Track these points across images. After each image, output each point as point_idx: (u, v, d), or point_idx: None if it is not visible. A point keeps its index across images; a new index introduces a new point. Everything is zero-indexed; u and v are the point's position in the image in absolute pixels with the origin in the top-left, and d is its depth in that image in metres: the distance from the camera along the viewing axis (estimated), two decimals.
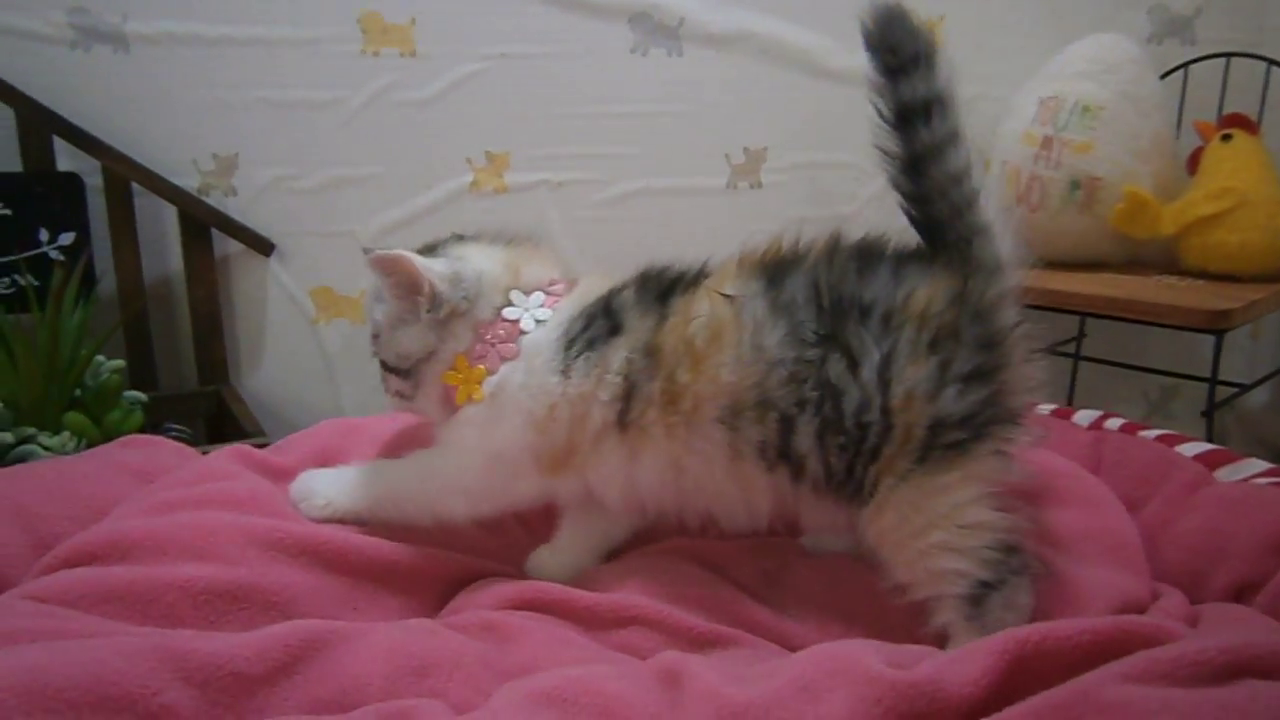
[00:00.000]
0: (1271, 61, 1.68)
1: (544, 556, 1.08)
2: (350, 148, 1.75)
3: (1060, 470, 1.14)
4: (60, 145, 1.57)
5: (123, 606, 0.91)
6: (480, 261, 1.00)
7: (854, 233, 0.92)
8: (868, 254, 0.91)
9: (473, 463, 0.96)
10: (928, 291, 0.86)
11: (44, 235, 1.55)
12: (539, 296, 0.99)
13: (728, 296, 0.90)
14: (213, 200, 1.70)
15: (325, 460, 1.14)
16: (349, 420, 1.28)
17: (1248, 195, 1.53)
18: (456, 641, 0.90)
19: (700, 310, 0.91)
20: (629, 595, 1.00)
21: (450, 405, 0.97)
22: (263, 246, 1.73)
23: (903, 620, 0.91)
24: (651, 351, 0.91)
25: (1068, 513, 1.06)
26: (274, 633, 0.82)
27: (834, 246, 0.92)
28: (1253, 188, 1.54)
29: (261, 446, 1.45)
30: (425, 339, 0.97)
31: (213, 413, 1.72)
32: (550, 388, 0.92)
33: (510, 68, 1.77)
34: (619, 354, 0.92)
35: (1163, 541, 1.06)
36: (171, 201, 1.65)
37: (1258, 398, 1.96)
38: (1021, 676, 0.72)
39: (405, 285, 0.95)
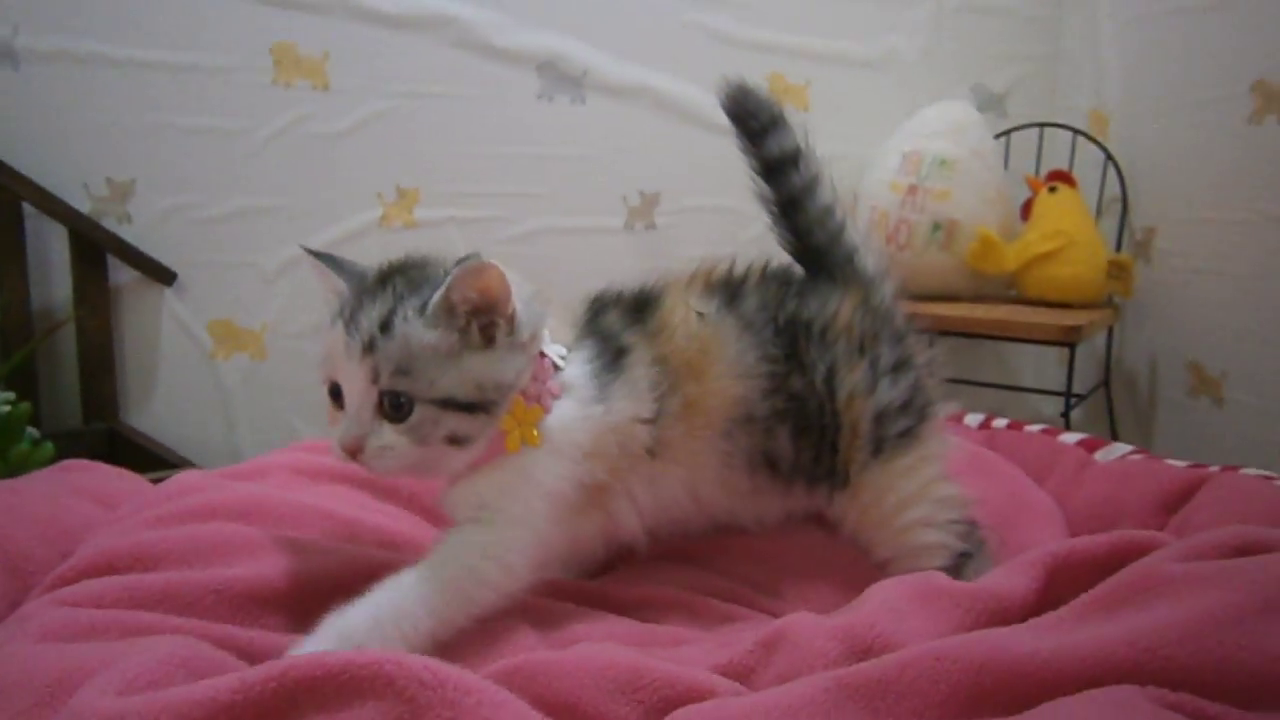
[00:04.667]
0: (1076, 131, 2.02)
1: None
2: (257, 178, 1.72)
3: (972, 453, 1.30)
4: None
5: (167, 608, 0.87)
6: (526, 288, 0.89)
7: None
8: (790, 277, 1.03)
9: (538, 517, 0.87)
10: (848, 305, 0.99)
11: None
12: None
13: (700, 314, 0.95)
14: (105, 226, 1.61)
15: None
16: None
17: (1075, 236, 1.83)
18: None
19: (678, 320, 0.94)
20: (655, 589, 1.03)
21: (488, 453, 0.86)
22: (163, 276, 1.64)
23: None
24: (661, 361, 0.92)
25: (993, 488, 1.21)
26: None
27: (766, 271, 1.02)
28: (1078, 230, 1.84)
29: None
30: (514, 364, 0.85)
31: (100, 453, 1.59)
32: (597, 418, 0.89)
33: (422, 106, 1.81)
34: (640, 371, 0.91)
35: (1066, 510, 1.23)
36: (65, 224, 1.55)
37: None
38: (1059, 582, 0.85)
39: (491, 304, 0.83)
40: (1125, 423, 2.02)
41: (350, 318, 0.83)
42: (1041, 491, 1.26)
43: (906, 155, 1.90)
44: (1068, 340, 1.67)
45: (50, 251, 1.58)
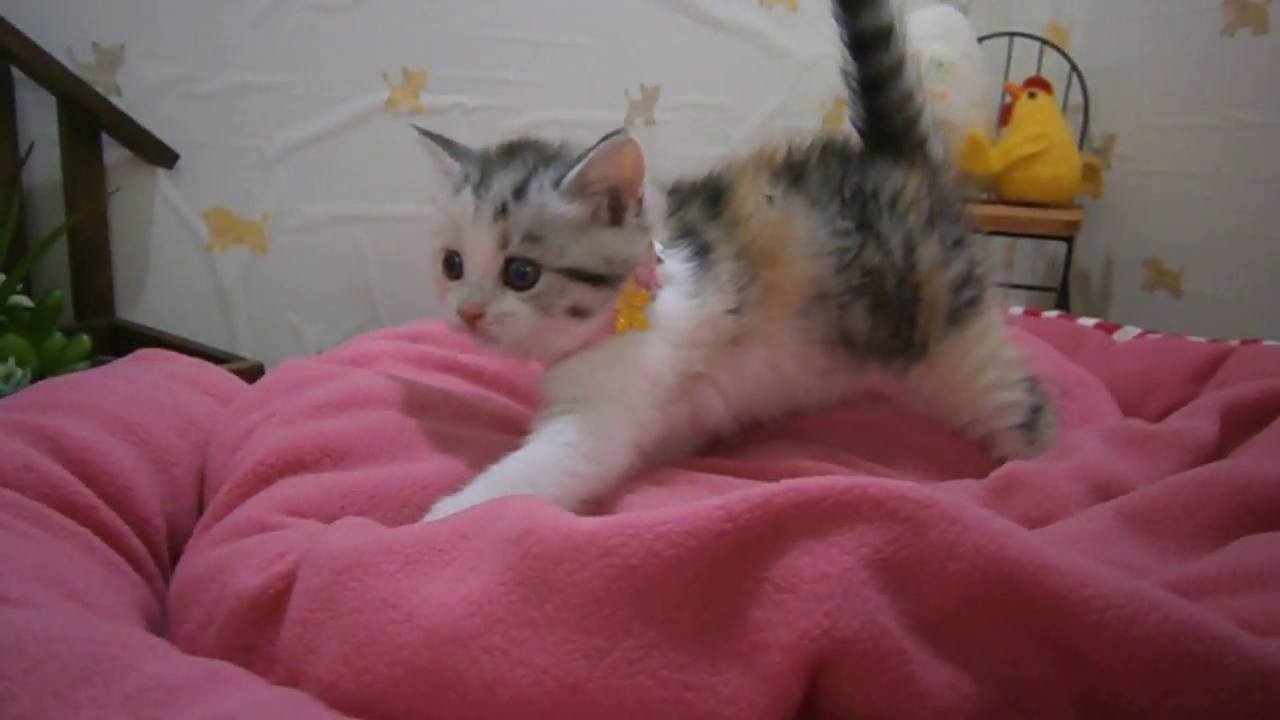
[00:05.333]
0: (1044, 41, 2.13)
1: None
2: (258, 51, 1.57)
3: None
4: None
5: (382, 513, 0.81)
6: None
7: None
8: (849, 152, 1.03)
9: (637, 396, 0.86)
10: (914, 179, 1.01)
11: None
12: None
13: (769, 197, 0.96)
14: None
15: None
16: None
17: (1055, 139, 1.94)
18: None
19: (750, 210, 0.95)
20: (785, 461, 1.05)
21: (599, 332, 0.87)
22: (162, 157, 1.48)
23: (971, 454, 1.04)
24: (742, 254, 0.93)
25: (1039, 362, 1.28)
26: None
27: (826, 145, 1.02)
28: (1057, 133, 1.95)
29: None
30: (640, 244, 0.86)
31: (99, 353, 1.44)
32: (695, 309, 0.90)
33: None
34: (725, 266, 0.92)
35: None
36: (55, 90, 1.36)
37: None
38: (1228, 426, 0.94)
39: (625, 183, 0.84)
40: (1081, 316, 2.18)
41: (481, 183, 0.82)
42: (1079, 366, 1.36)
43: None
44: (1066, 234, 1.79)
45: (24, 125, 1.39)
